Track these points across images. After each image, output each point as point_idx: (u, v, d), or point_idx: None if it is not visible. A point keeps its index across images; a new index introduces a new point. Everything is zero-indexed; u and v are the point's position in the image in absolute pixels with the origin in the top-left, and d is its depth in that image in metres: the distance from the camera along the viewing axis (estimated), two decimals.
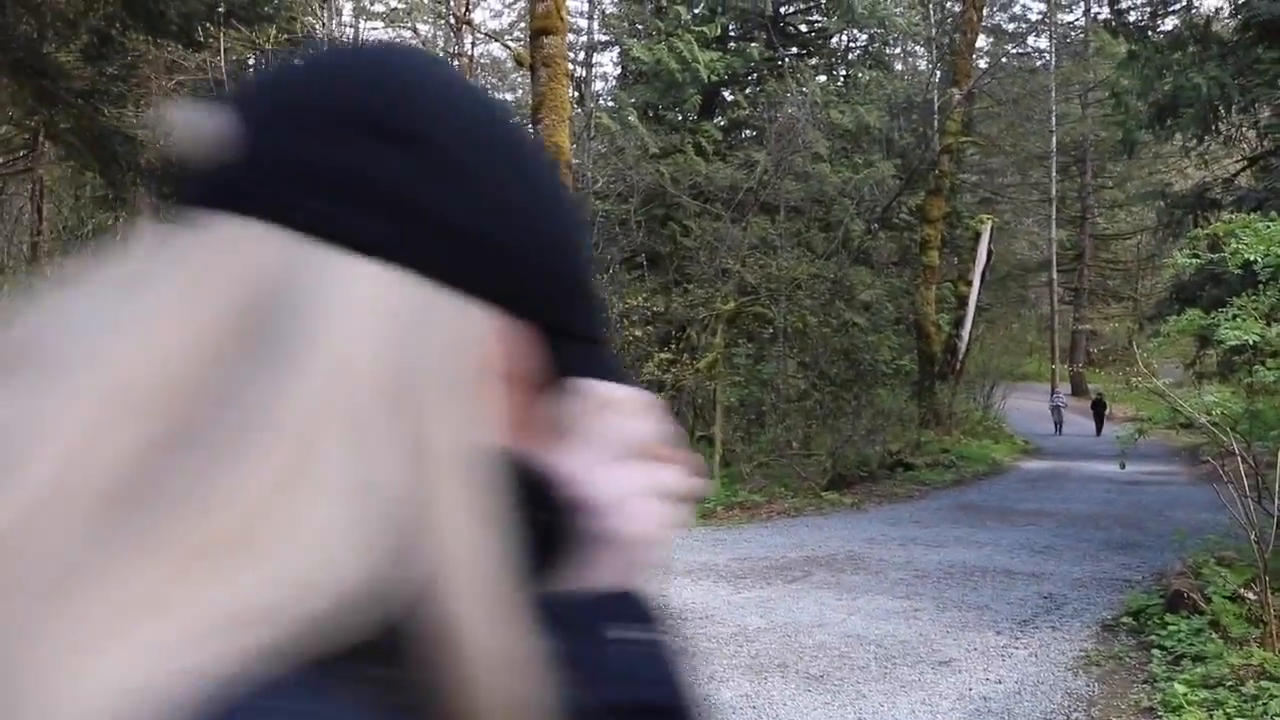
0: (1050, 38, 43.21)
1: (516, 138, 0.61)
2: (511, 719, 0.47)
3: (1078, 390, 42.18)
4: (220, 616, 0.41)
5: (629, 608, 0.64)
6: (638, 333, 15.46)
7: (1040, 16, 45.30)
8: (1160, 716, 5.80)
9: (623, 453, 0.63)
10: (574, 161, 17.61)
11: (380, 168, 0.52)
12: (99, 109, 10.66)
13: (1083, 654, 7.31)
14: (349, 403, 0.47)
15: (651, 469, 0.64)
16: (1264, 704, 5.50)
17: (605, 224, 22.64)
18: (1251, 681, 5.89)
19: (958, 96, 25.62)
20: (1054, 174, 42.79)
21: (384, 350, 0.49)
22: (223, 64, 15.60)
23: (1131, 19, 22.80)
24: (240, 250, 0.50)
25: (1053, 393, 37.33)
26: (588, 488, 0.61)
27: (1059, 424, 32.58)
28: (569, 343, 0.60)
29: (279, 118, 0.53)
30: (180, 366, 0.46)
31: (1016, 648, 7.48)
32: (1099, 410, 31.69)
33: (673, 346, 15.23)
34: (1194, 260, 9.78)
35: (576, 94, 26.24)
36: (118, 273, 0.51)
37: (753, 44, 27.66)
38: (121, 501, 0.42)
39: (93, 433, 0.44)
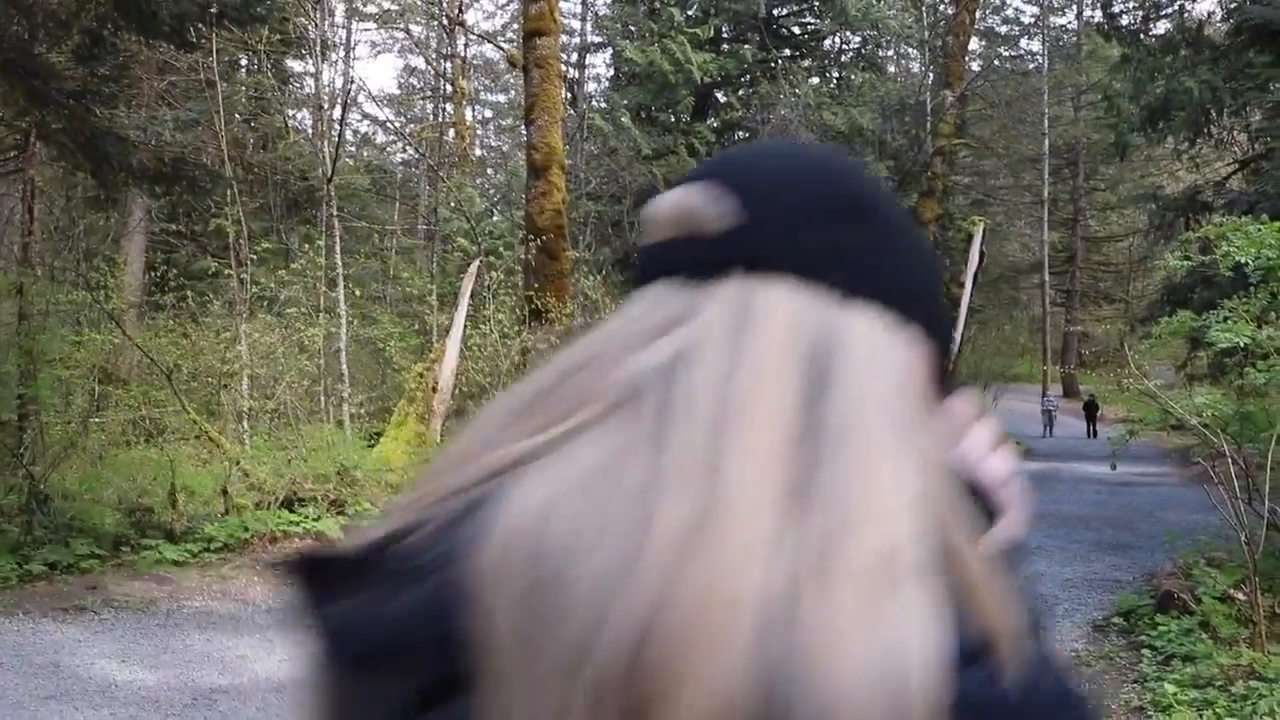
0: (1043, 41, 43.27)
1: (903, 208, 0.82)
2: (997, 610, 0.65)
3: (1069, 392, 42.24)
4: (906, 571, 0.60)
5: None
6: None
7: (1033, 20, 45.33)
8: (1150, 716, 5.82)
9: (989, 446, 0.86)
10: (567, 163, 17.61)
11: (863, 241, 0.73)
12: (90, 110, 10.63)
13: (1073, 654, 7.33)
14: (887, 418, 0.66)
15: (1003, 456, 0.87)
16: (1253, 704, 5.52)
17: (599, 225, 22.67)
18: (1241, 681, 5.92)
19: (950, 99, 25.67)
20: (1046, 176, 42.88)
21: (893, 377, 0.69)
22: (215, 65, 15.57)
23: (1124, 23, 22.86)
24: (791, 304, 0.69)
25: (1044, 395, 37.36)
26: (988, 475, 0.84)
27: (1049, 426, 32.37)
28: (948, 356, 0.81)
29: (779, 201, 0.72)
30: (784, 397, 0.64)
31: None
32: (1091, 412, 31.37)
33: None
34: (1185, 262, 9.82)
35: (569, 95, 26.25)
36: (648, 322, 0.70)
37: (746, 46, 27.70)
38: (792, 493, 0.60)
39: (754, 450, 0.62)
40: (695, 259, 0.71)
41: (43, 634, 7.10)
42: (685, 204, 0.72)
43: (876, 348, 0.70)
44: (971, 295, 26.82)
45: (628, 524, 0.59)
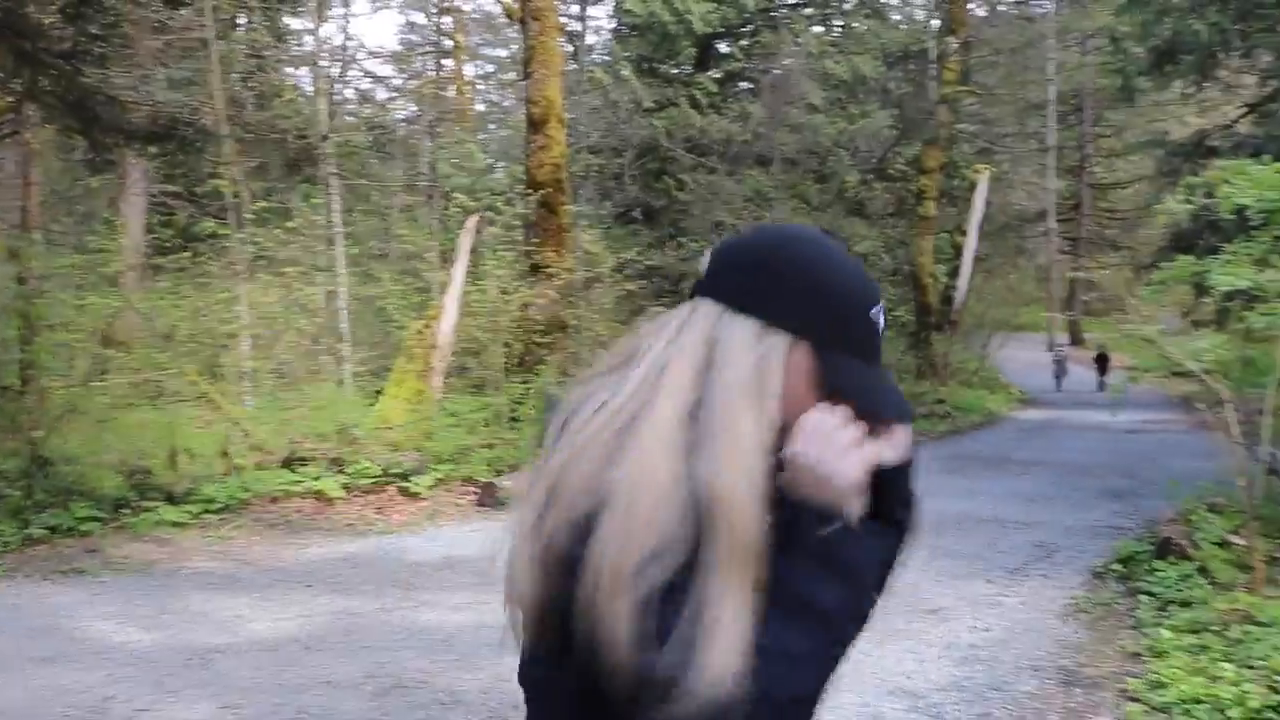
0: None
1: (813, 262, 1.24)
2: (750, 547, 1.11)
3: (1074, 340, 42.11)
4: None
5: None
6: (632, 287, 15.38)
7: None
8: (1146, 662, 5.81)
9: (824, 438, 1.18)
10: (567, 116, 17.46)
11: (758, 283, 1.21)
12: (80, 70, 10.53)
13: (1072, 601, 7.33)
14: (740, 391, 1.16)
15: (835, 445, 1.18)
16: (1248, 648, 5.50)
17: (599, 178, 22.53)
18: (1237, 626, 5.89)
19: (955, 45, 25.35)
20: (1052, 123, 42.50)
21: (753, 362, 1.17)
22: (210, 22, 15.43)
23: None
24: (707, 314, 1.22)
25: (1053, 345, 37.02)
26: (800, 449, 1.18)
27: (1060, 377, 31.63)
28: (833, 357, 1.22)
29: (723, 261, 1.26)
30: (692, 366, 1.18)
31: (1006, 596, 7.50)
32: (1103, 363, 30.08)
33: (668, 300, 15.16)
34: (1185, 206, 9.72)
35: (569, 48, 26.01)
36: (666, 319, 1.25)
37: None
38: (682, 425, 1.14)
39: (670, 395, 1.16)
40: (691, 290, 1.28)
41: (42, 597, 7.13)
42: (700, 262, 1.30)
43: (746, 343, 1.19)
44: (976, 243, 26.67)
45: (590, 429, 1.16)
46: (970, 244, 25.91)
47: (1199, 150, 18.03)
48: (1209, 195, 9.12)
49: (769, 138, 22.88)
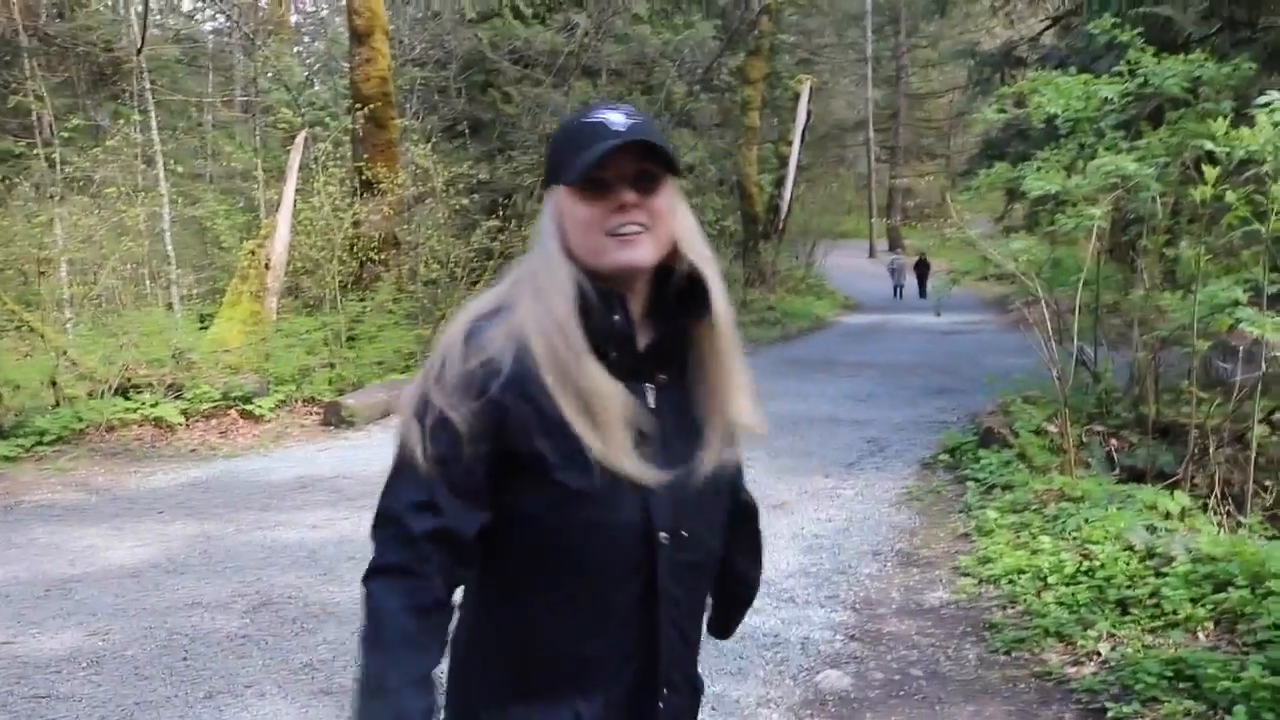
0: None
1: (567, 128, 1.54)
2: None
3: (894, 245, 43.63)
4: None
5: None
6: (465, 201, 15.27)
7: None
8: (974, 540, 6.29)
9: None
10: (390, 28, 17.05)
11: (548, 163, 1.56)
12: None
13: (904, 490, 7.82)
14: (540, 235, 1.54)
15: None
16: (1063, 522, 6.02)
17: (425, 92, 22.11)
18: (1053, 504, 6.43)
19: None
20: (869, 34, 43.45)
21: (551, 220, 1.53)
22: None
23: None
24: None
25: (890, 251, 37.76)
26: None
27: (899, 287, 31.64)
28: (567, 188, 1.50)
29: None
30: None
31: (844, 489, 7.94)
32: (922, 270, 30.76)
33: (499, 214, 15.11)
34: (1000, 115, 10.23)
35: None
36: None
37: None
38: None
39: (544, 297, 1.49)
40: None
41: None
42: None
43: (545, 206, 1.55)
44: (799, 153, 27.30)
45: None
46: (794, 154, 26.51)
47: (1008, 60, 18.77)
48: (1019, 105, 9.61)
49: (595, 49, 22.80)
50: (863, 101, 45.36)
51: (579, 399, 1.42)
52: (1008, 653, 4.61)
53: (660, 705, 1.55)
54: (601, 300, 1.46)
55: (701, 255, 1.53)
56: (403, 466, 1.46)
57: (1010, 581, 5.41)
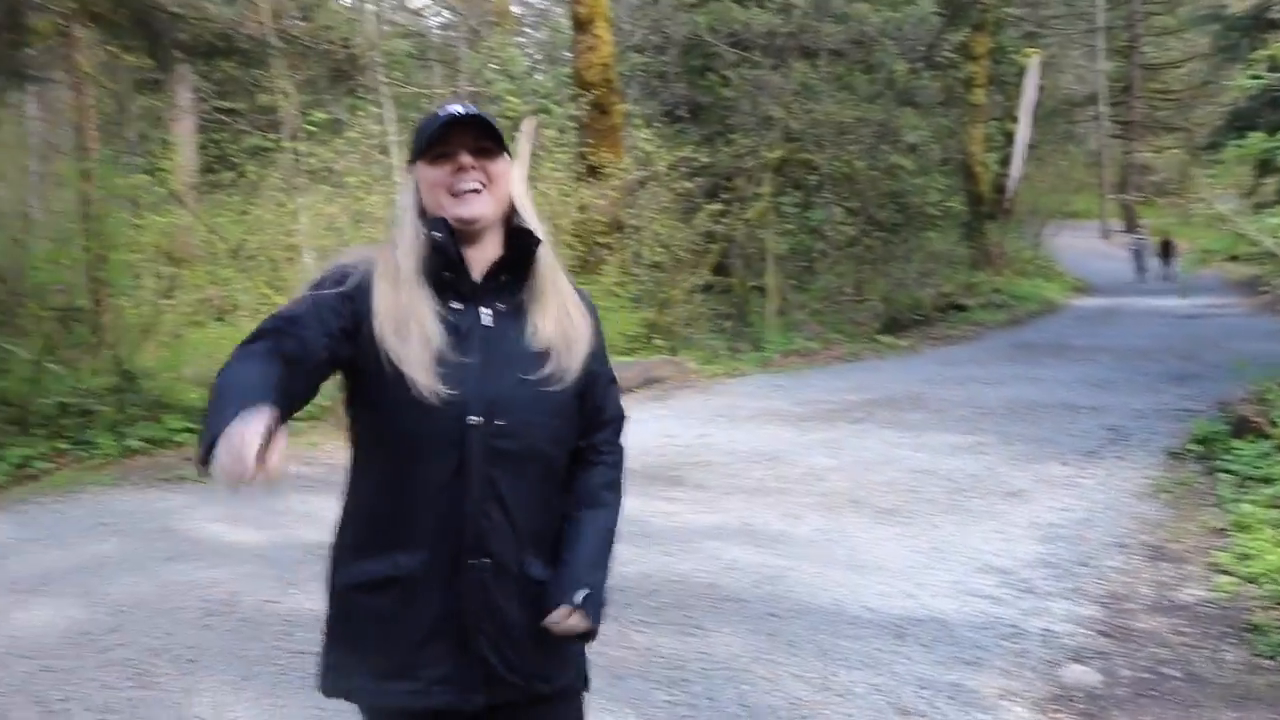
0: None
1: (424, 119, 2.01)
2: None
3: (1129, 226, 41.57)
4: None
5: None
6: (687, 184, 15.36)
7: None
8: (1230, 535, 5.93)
9: None
10: (610, 15, 17.28)
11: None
12: None
13: (1150, 481, 7.43)
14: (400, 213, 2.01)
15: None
16: None
17: (644, 77, 22.32)
18: None
19: None
20: (1101, 2, 41.39)
21: (410, 192, 2.01)
22: None
23: None
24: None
25: (1128, 230, 35.84)
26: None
27: (1143, 268, 30.27)
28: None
29: None
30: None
31: (1083, 477, 7.61)
32: (1167, 249, 28.89)
33: (721, 198, 15.15)
34: (1255, 81, 9.57)
35: None
36: None
37: None
38: None
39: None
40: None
41: (151, 502, 7.42)
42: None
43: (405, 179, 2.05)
44: (1028, 130, 26.28)
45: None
46: (1021, 130, 25.58)
47: (1259, 24, 17.57)
48: (1274, 70, 8.99)
49: (813, 29, 22.51)
50: (1093, 74, 43.30)
51: (396, 315, 1.85)
52: (1272, 658, 4.33)
53: (467, 570, 1.87)
54: (430, 230, 1.91)
55: (530, 212, 2.00)
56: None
57: (1274, 581, 5.06)
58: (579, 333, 2.00)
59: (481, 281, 1.95)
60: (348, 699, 1.96)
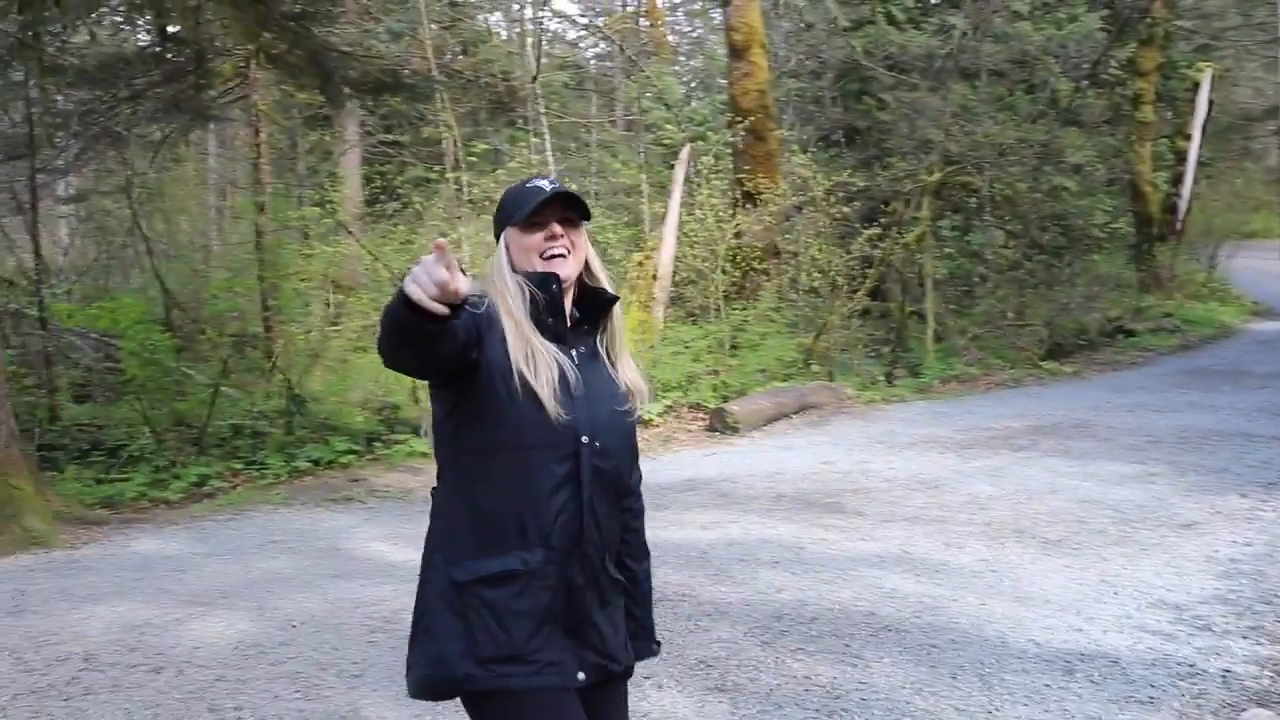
0: None
1: (513, 191, 2.36)
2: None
3: None
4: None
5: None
6: (844, 209, 15.25)
7: None
8: None
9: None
10: (766, 41, 17.32)
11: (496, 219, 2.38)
12: (309, 29, 11.06)
13: None
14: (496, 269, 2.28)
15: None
16: None
17: (800, 102, 22.28)
18: None
19: None
20: None
21: (503, 252, 2.29)
22: None
23: None
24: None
25: None
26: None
27: None
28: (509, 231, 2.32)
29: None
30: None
31: (1264, 510, 7.24)
32: None
33: (878, 222, 14.98)
34: None
35: None
36: None
37: None
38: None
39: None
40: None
41: (318, 522, 7.71)
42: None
43: (499, 247, 2.30)
44: (1199, 148, 25.23)
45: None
46: (1193, 148, 24.58)
47: None
48: None
49: (973, 50, 22.12)
50: (1273, 87, 41.39)
51: (524, 350, 2.13)
52: None
53: (577, 566, 2.14)
54: (539, 284, 2.20)
55: (602, 272, 2.35)
56: None
57: None
58: (639, 378, 2.37)
59: (571, 326, 2.30)
60: (457, 688, 2.15)
